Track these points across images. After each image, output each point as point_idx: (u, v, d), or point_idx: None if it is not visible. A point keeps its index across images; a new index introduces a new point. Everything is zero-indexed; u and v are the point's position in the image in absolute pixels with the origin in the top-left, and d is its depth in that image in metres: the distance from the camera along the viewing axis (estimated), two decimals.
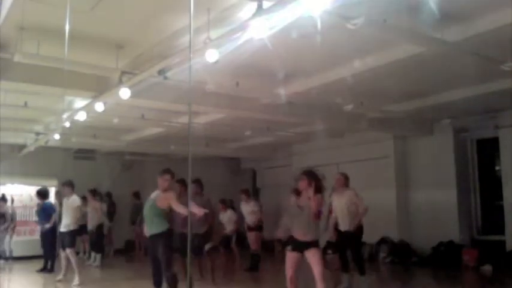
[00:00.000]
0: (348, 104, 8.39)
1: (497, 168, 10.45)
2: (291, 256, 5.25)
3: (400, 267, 10.39)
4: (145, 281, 6.88)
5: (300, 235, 5.19)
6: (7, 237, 11.22)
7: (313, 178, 5.24)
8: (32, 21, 5.36)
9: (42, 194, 9.95)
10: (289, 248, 5.29)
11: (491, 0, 4.81)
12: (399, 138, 11.30)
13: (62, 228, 8.26)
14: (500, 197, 9.83)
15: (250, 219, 9.86)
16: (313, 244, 5.16)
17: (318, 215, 5.17)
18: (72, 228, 8.28)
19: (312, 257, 5.11)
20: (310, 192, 5.13)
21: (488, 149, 10.69)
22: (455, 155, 10.51)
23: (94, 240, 11.08)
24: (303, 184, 5.24)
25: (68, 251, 8.16)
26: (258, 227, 9.91)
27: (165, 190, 5.99)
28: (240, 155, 15.45)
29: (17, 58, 5.92)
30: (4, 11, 5.14)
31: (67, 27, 4.78)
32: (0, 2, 5.15)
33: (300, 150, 13.44)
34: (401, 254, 10.61)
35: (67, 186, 8.52)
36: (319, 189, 5.20)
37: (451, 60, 6.31)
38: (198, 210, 5.62)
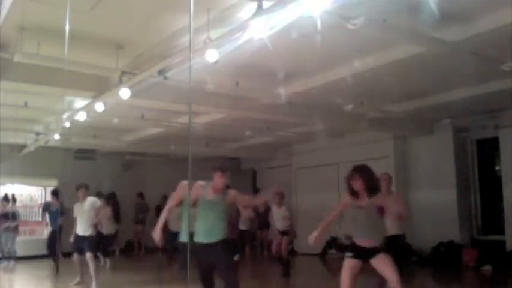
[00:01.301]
0: (348, 104, 8.39)
1: (497, 168, 10.45)
2: (351, 264, 4.48)
3: (400, 267, 10.38)
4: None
5: (363, 241, 4.48)
6: (9, 238, 11.21)
7: (368, 175, 4.59)
8: (32, 21, 5.36)
9: (58, 194, 9.82)
10: (349, 254, 4.54)
11: (491, 0, 4.81)
12: (399, 138, 11.30)
13: (81, 232, 7.74)
14: (500, 197, 9.83)
15: (281, 224, 9.19)
16: (381, 249, 4.44)
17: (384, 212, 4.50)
18: (93, 232, 7.81)
19: (382, 263, 4.41)
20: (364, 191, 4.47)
21: (488, 149, 10.69)
22: (455, 155, 10.51)
23: (106, 245, 11.00)
24: (357, 184, 4.55)
25: (88, 255, 7.65)
26: (287, 232, 9.31)
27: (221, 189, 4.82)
28: (240, 155, 15.44)
29: (17, 58, 5.92)
30: (4, 11, 5.14)
31: (67, 27, 4.79)
32: (0, 2, 5.15)
33: (300, 150, 13.44)
34: (402, 254, 10.60)
35: (83, 188, 7.83)
36: (375, 188, 4.55)
37: (451, 60, 6.31)
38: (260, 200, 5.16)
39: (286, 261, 9.07)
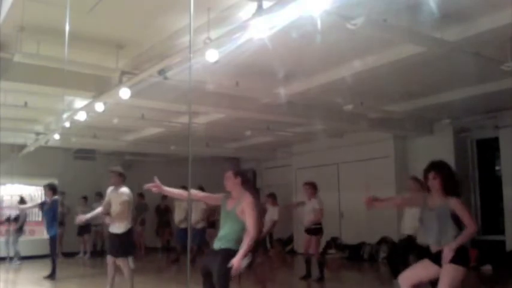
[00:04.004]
0: (348, 104, 8.39)
1: (497, 168, 10.45)
2: (424, 265, 4.07)
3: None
4: None
5: (432, 245, 4.04)
6: (10, 238, 11.20)
7: (446, 172, 4.12)
8: (32, 21, 5.36)
9: (54, 188, 8.91)
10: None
11: (491, 0, 4.81)
12: (399, 138, 11.30)
13: (115, 229, 6.49)
14: (500, 197, 9.82)
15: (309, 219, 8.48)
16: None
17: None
18: (123, 230, 6.46)
19: (442, 275, 3.85)
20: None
21: (488, 149, 10.70)
22: (455, 155, 10.50)
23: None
24: (435, 182, 4.08)
25: (121, 261, 6.47)
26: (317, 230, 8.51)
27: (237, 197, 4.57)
28: (240, 155, 15.45)
29: (17, 58, 5.92)
30: (4, 11, 5.14)
31: (67, 27, 4.78)
32: (0, 2, 5.15)
33: (300, 150, 13.44)
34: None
35: (118, 174, 6.59)
36: (454, 188, 4.04)
37: (451, 60, 6.31)
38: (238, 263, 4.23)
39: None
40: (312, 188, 8.54)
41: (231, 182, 4.57)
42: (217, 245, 4.51)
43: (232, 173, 4.59)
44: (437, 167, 4.14)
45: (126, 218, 6.49)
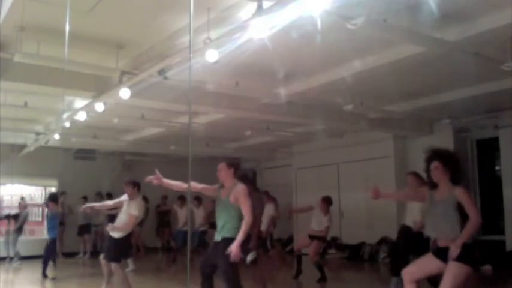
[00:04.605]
0: (348, 104, 8.39)
1: (497, 168, 10.45)
2: (427, 260, 4.02)
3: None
4: None
5: (440, 239, 3.96)
6: (10, 238, 11.20)
7: (452, 161, 3.98)
8: (32, 21, 5.36)
9: (56, 199, 9.53)
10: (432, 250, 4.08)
11: (491, 0, 4.81)
12: (399, 138, 11.30)
13: (113, 232, 6.38)
14: (500, 197, 9.82)
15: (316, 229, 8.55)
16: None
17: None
18: (120, 235, 6.34)
19: (446, 273, 3.79)
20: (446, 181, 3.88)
21: (488, 149, 10.69)
22: None
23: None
24: (437, 172, 3.97)
25: (113, 266, 6.32)
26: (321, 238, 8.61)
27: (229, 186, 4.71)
28: (240, 155, 15.44)
29: (17, 58, 5.92)
30: (4, 11, 5.14)
31: (67, 27, 4.79)
32: (0, 2, 5.15)
33: (300, 150, 13.44)
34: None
35: (131, 186, 6.45)
36: (461, 177, 3.94)
37: (451, 60, 6.30)
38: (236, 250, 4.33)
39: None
40: (327, 203, 8.50)
41: (224, 172, 4.71)
42: (218, 236, 4.59)
43: (226, 164, 4.74)
44: (441, 156, 4.01)
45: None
